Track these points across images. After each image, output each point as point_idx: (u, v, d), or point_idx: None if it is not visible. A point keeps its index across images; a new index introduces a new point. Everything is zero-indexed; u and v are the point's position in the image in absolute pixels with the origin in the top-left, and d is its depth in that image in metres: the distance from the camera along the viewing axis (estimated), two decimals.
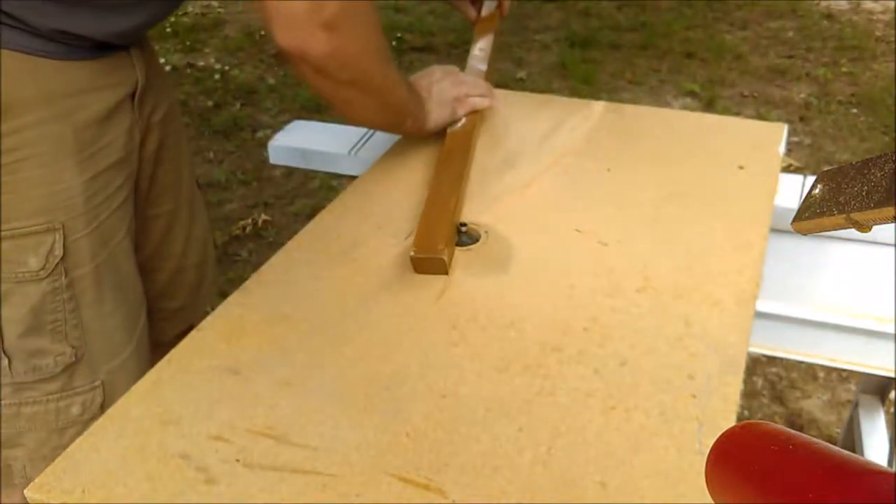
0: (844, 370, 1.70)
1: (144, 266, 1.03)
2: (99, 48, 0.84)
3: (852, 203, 0.26)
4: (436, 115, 0.97)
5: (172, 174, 1.04)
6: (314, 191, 2.59)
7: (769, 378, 1.84)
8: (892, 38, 3.63)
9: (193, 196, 1.10)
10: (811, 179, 0.91)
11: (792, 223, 0.29)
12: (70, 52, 0.80)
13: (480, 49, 1.13)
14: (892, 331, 0.79)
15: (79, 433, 0.87)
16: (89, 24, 0.80)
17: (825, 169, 0.29)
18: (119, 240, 0.91)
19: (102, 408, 0.89)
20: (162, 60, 3.57)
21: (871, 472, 0.16)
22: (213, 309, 0.73)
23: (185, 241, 1.08)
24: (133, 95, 0.90)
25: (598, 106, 1.10)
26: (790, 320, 0.82)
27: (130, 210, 0.94)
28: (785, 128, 1.02)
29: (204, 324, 0.71)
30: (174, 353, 0.67)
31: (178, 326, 1.11)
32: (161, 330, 1.08)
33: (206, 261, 1.14)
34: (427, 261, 0.75)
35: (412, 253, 0.76)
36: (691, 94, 3.18)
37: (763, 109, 3.04)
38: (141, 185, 0.98)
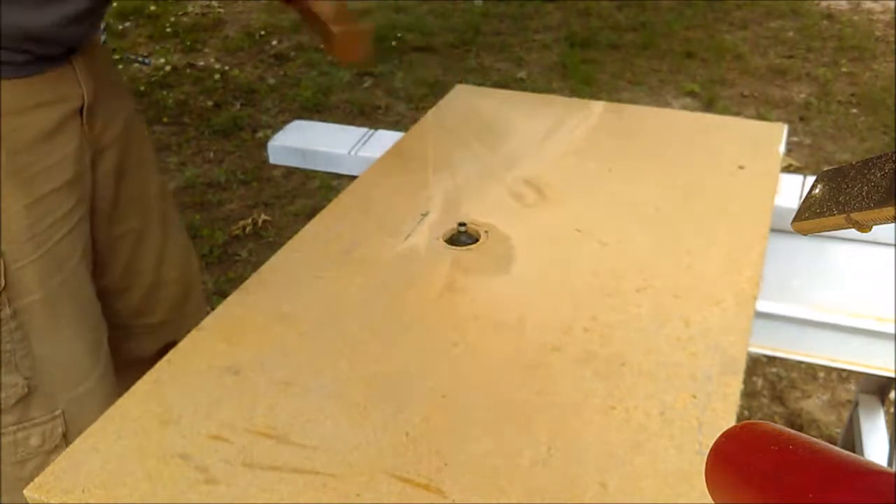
0: (844, 370, 1.70)
1: (116, 285, 1.00)
2: (34, 63, 0.78)
3: (852, 203, 0.26)
4: None
5: (137, 189, 0.99)
6: (314, 191, 2.59)
7: (769, 378, 1.84)
8: (892, 38, 3.63)
9: (166, 209, 1.05)
10: (811, 179, 0.91)
11: (792, 223, 0.29)
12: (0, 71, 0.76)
13: None
14: (892, 331, 0.79)
15: (40, 465, 0.83)
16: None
17: (825, 169, 0.29)
18: (74, 264, 0.86)
19: (65, 438, 0.86)
20: (162, 60, 3.58)
21: (871, 472, 0.16)
22: (212, 310, 0.73)
23: (159, 256, 1.04)
24: (81, 111, 0.85)
25: (598, 106, 1.10)
26: (790, 320, 0.82)
27: (85, 232, 0.90)
28: (785, 128, 1.02)
29: (204, 324, 0.71)
30: (174, 353, 0.67)
31: (160, 341, 1.07)
32: (141, 346, 1.05)
33: (188, 274, 1.09)
34: (349, 35, 0.72)
35: (334, 30, 0.73)
36: (691, 94, 3.18)
37: (763, 109, 3.04)
38: (100, 205, 0.93)
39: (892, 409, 1.56)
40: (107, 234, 0.97)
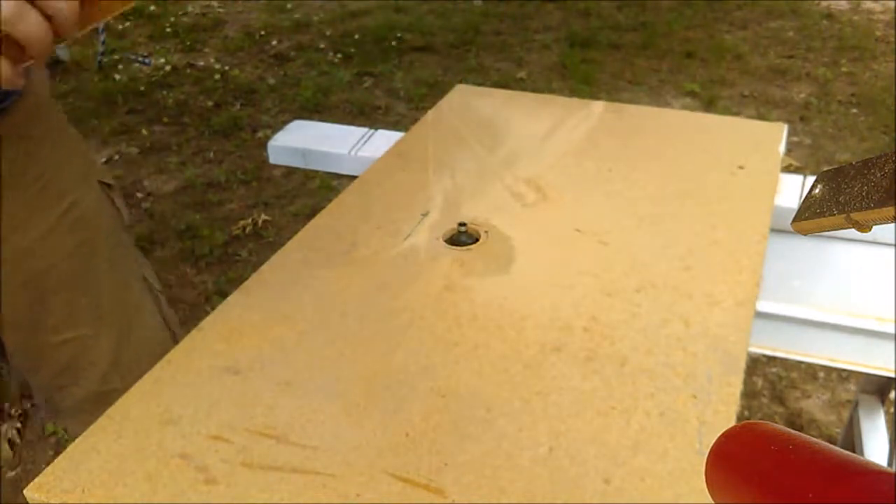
0: (844, 370, 1.70)
1: (54, 382, 0.89)
2: None
3: (852, 203, 0.26)
4: None
5: (83, 296, 0.85)
6: (314, 191, 2.59)
7: (769, 378, 1.84)
8: (892, 38, 3.63)
9: (132, 316, 0.90)
10: (811, 179, 0.91)
11: (792, 223, 0.29)
12: None
13: None
14: (892, 331, 0.79)
15: None
16: None
17: (825, 169, 0.29)
18: None
19: None
20: (162, 60, 3.59)
21: (871, 472, 0.16)
22: (212, 310, 0.73)
23: (112, 367, 0.89)
24: None
25: (598, 106, 1.09)
26: (790, 320, 0.82)
27: None
28: (785, 128, 1.02)
29: (204, 324, 0.71)
30: (174, 353, 0.67)
31: None
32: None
33: None
34: None
35: None
36: (691, 94, 3.18)
37: (763, 109, 3.04)
38: (9, 313, 0.81)
39: (892, 409, 1.56)
40: (32, 340, 0.85)
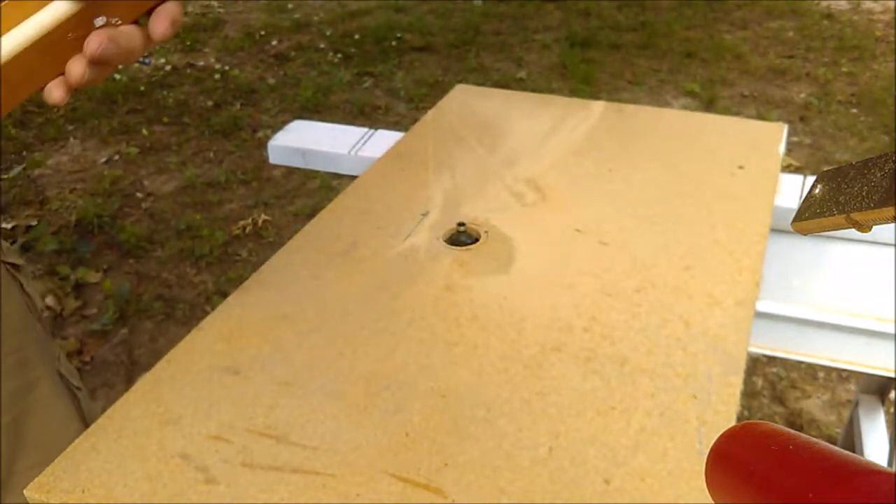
0: (844, 370, 1.70)
1: None
2: None
3: (852, 203, 0.26)
4: None
5: None
6: (314, 191, 2.59)
7: (769, 378, 1.84)
8: (892, 38, 3.63)
9: (37, 428, 0.76)
10: (811, 179, 0.91)
11: (792, 223, 0.29)
12: None
13: None
14: (892, 331, 0.79)
15: None
16: None
17: (825, 169, 0.29)
18: None
19: None
20: (162, 60, 3.58)
21: (871, 472, 0.16)
22: (212, 309, 0.73)
23: (9, 455, 0.75)
24: None
25: (598, 106, 1.09)
26: (790, 320, 0.82)
27: None
28: (785, 128, 1.02)
29: (204, 324, 0.71)
30: (174, 353, 0.67)
31: None
32: None
33: None
34: None
35: None
36: (691, 94, 3.18)
37: (763, 109, 3.04)
38: None
39: (892, 409, 1.56)
40: None
